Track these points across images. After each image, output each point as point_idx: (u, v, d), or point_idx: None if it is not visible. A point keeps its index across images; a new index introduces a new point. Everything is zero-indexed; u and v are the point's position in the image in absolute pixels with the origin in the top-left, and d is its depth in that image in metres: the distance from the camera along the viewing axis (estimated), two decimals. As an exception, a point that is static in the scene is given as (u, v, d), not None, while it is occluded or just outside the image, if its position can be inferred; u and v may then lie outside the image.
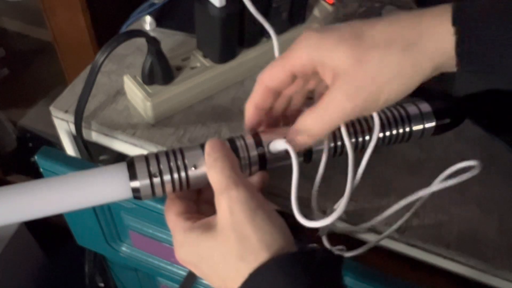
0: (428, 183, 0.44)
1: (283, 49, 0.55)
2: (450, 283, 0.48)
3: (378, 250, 0.43)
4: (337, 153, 0.41)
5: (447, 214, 0.43)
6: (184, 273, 0.59)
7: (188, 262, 0.33)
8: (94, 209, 0.52)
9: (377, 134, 0.38)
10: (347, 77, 0.30)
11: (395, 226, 0.41)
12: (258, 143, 0.37)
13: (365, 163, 0.38)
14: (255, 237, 0.29)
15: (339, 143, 0.40)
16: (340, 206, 0.34)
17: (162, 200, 0.44)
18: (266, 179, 0.38)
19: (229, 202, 0.30)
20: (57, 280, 1.14)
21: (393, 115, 0.42)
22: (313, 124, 0.33)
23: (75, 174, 0.34)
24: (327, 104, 0.32)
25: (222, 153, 0.33)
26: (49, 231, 1.10)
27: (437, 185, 0.37)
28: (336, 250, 0.42)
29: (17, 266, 1.06)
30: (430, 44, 0.29)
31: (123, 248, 0.60)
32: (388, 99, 0.31)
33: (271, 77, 0.35)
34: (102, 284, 0.78)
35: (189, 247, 0.32)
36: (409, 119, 0.42)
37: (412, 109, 0.42)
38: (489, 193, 0.45)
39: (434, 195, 0.44)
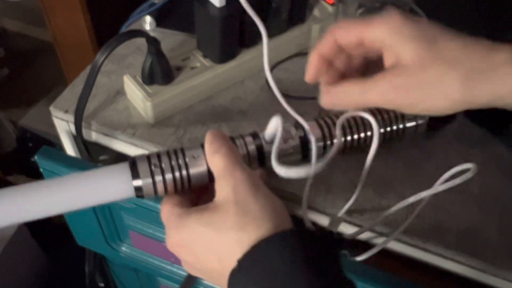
0: (428, 183, 0.44)
1: (281, 48, 0.55)
2: (450, 283, 0.49)
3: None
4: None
5: (447, 214, 0.43)
6: (184, 273, 0.59)
7: (182, 246, 0.32)
8: (94, 209, 0.52)
9: (377, 138, 0.38)
10: (405, 74, 0.32)
11: (401, 228, 0.41)
12: (255, 137, 0.39)
13: (368, 164, 0.39)
14: (256, 209, 0.30)
15: (335, 141, 0.41)
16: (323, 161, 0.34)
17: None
18: (264, 176, 0.38)
19: (233, 181, 0.31)
20: (57, 280, 1.14)
21: (388, 113, 0.43)
22: (353, 94, 0.34)
23: (78, 174, 0.34)
24: (376, 83, 0.33)
25: (225, 142, 0.34)
26: (49, 231, 1.10)
27: (436, 188, 0.38)
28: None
29: (17, 266, 1.06)
30: (493, 81, 0.30)
31: (123, 248, 0.60)
32: (425, 110, 0.32)
33: (343, 35, 0.35)
34: (102, 284, 0.78)
35: (185, 229, 0.32)
36: (402, 116, 0.42)
37: None
38: (489, 193, 0.45)
39: (434, 195, 0.44)
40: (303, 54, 0.57)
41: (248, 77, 0.54)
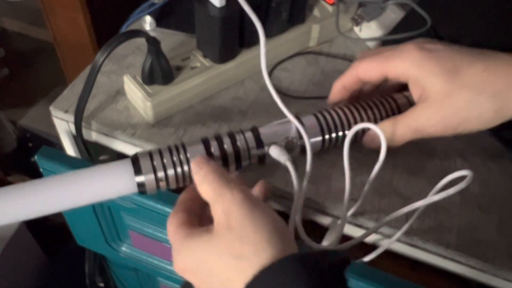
0: (428, 183, 0.44)
1: (281, 48, 0.55)
2: (450, 283, 0.48)
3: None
4: (332, 145, 0.42)
5: (447, 214, 0.43)
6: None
7: (187, 270, 0.31)
8: (94, 209, 0.52)
9: (384, 150, 0.38)
10: (436, 105, 0.34)
11: (403, 229, 0.40)
12: (259, 144, 0.38)
13: (376, 172, 0.39)
14: (254, 233, 0.28)
15: (333, 135, 0.41)
16: (336, 234, 0.36)
17: (162, 200, 0.44)
18: (267, 190, 0.38)
19: (224, 206, 0.30)
20: (57, 280, 1.14)
21: (385, 109, 0.43)
22: (396, 130, 0.38)
23: (81, 171, 0.34)
24: (411, 120, 0.36)
25: (210, 167, 0.32)
26: (49, 231, 1.10)
27: (433, 197, 0.38)
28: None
29: (17, 266, 1.06)
30: None
31: (123, 248, 0.60)
32: (465, 130, 0.35)
33: (365, 71, 0.38)
34: (102, 284, 0.78)
35: (187, 253, 0.31)
36: (399, 110, 0.43)
37: (401, 100, 0.43)
38: (489, 193, 0.45)
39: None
40: (303, 54, 0.57)
41: (248, 77, 0.54)
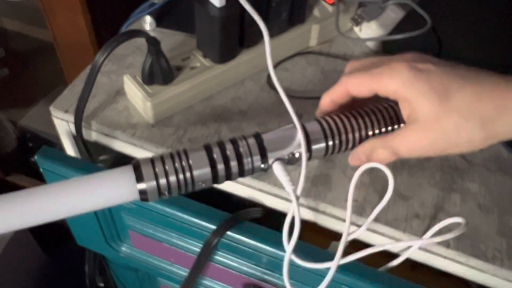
0: (427, 183, 0.44)
1: (281, 48, 0.55)
2: (450, 283, 0.49)
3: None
4: (335, 151, 0.41)
5: (447, 214, 0.43)
6: (184, 273, 0.59)
7: None
8: (94, 209, 0.52)
9: (392, 182, 0.38)
10: (425, 128, 0.34)
11: (425, 241, 0.41)
12: (263, 153, 0.37)
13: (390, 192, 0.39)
14: None
15: (337, 141, 0.40)
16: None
17: (162, 200, 0.44)
18: None
19: None
20: (57, 280, 1.14)
21: (390, 116, 0.42)
22: (382, 153, 0.37)
23: (82, 178, 0.34)
24: (400, 141, 0.36)
25: None
26: (49, 231, 1.10)
27: (426, 240, 0.40)
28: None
29: (17, 266, 1.06)
30: (507, 122, 0.32)
31: (123, 248, 0.60)
32: (454, 152, 0.34)
33: (354, 87, 0.38)
34: (102, 284, 0.78)
35: None
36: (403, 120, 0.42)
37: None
38: (489, 193, 0.45)
39: (433, 196, 0.44)
40: (303, 54, 0.57)
41: (248, 77, 0.54)
